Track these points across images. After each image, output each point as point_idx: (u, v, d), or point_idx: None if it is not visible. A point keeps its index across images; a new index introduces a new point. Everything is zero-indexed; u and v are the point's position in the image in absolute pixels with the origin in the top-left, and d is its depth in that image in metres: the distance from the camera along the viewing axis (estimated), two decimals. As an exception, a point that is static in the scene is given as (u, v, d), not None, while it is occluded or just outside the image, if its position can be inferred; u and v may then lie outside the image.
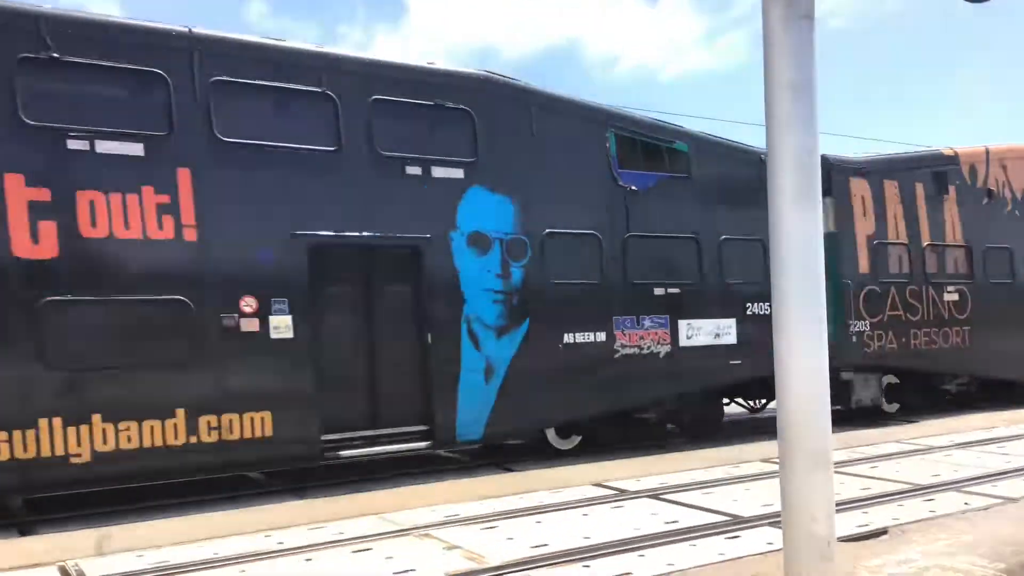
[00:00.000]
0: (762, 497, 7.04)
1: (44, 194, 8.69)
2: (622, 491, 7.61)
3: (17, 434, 8.40)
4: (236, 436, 9.39)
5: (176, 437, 9.14)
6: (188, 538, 6.23)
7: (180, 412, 9.16)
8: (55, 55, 8.78)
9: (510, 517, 6.66)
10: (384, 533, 6.26)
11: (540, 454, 11.66)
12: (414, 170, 10.65)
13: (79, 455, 8.68)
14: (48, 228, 8.68)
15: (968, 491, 7.43)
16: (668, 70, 74.65)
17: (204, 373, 9.31)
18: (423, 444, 10.44)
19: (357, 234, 10.27)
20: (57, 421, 8.59)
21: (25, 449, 8.43)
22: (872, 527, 6.24)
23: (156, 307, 9.17)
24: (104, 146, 9.00)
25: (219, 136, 9.49)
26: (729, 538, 5.83)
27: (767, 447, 8.82)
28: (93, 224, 8.89)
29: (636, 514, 6.73)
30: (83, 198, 8.85)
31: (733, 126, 78.43)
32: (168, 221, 9.23)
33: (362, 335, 10.44)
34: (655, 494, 7.44)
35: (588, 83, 72.67)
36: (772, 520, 6.08)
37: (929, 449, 9.65)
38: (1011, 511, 6.73)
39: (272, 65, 9.96)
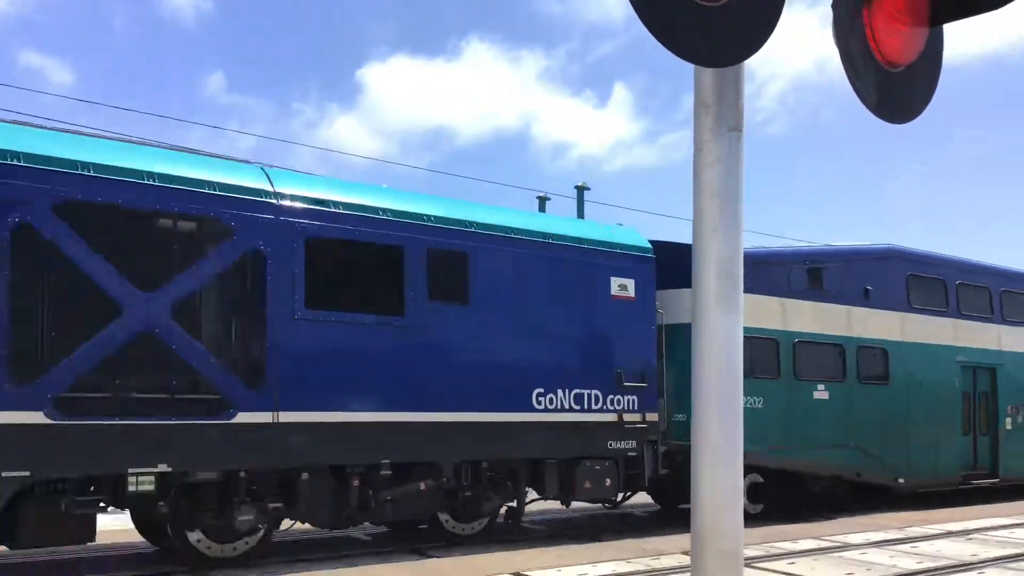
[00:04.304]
0: (681, 591, 7.01)
1: None
2: (540, 581, 7.50)
3: None
4: None
5: None
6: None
7: None
8: None
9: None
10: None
11: (454, 537, 11.23)
12: None
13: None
14: None
15: (881, 591, 7.54)
16: (612, 162, 76.91)
17: None
18: None
19: None
20: None
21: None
22: (787, 626, 6.26)
23: None
24: None
25: None
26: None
27: (686, 540, 8.82)
28: None
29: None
30: None
31: (667, 220, 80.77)
32: None
33: None
34: (574, 586, 7.35)
35: (537, 170, 74.20)
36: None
37: (845, 547, 9.79)
38: (921, 613, 6.85)
39: None
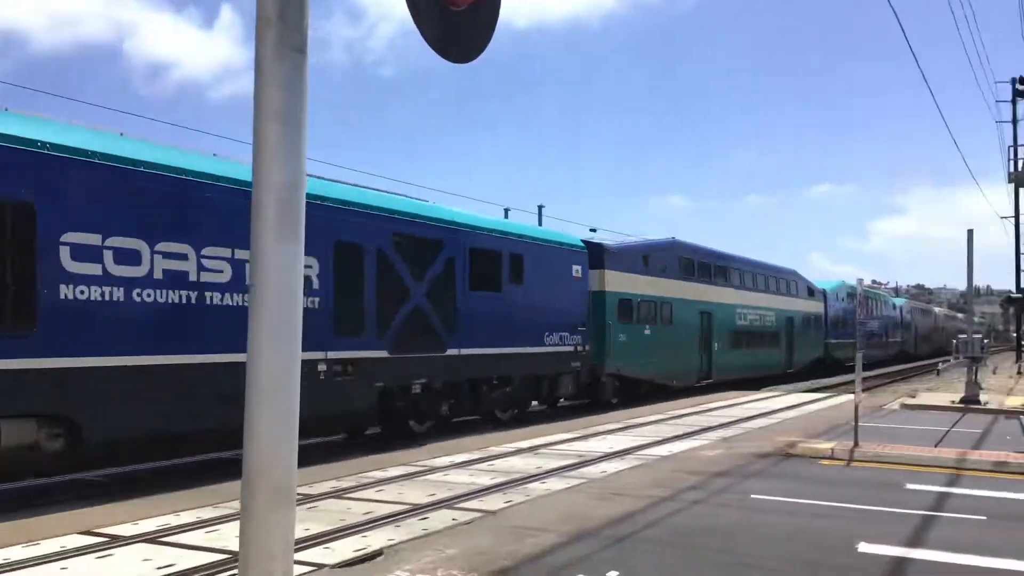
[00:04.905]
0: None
1: None
2: (115, 537, 6.90)
3: None
4: None
5: None
6: None
7: None
8: None
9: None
10: None
11: (25, 502, 9.99)
12: None
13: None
14: None
15: (458, 507, 8.19)
16: (220, 89, 72.12)
17: None
18: None
19: None
20: None
21: None
22: (369, 550, 6.51)
23: None
24: None
25: None
26: (227, 578, 5.59)
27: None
28: None
29: (127, 562, 6.15)
30: None
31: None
32: None
33: None
34: (152, 538, 6.88)
35: (128, 92, 66.58)
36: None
37: (431, 470, 10.47)
38: (490, 523, 7.57)
39: None
